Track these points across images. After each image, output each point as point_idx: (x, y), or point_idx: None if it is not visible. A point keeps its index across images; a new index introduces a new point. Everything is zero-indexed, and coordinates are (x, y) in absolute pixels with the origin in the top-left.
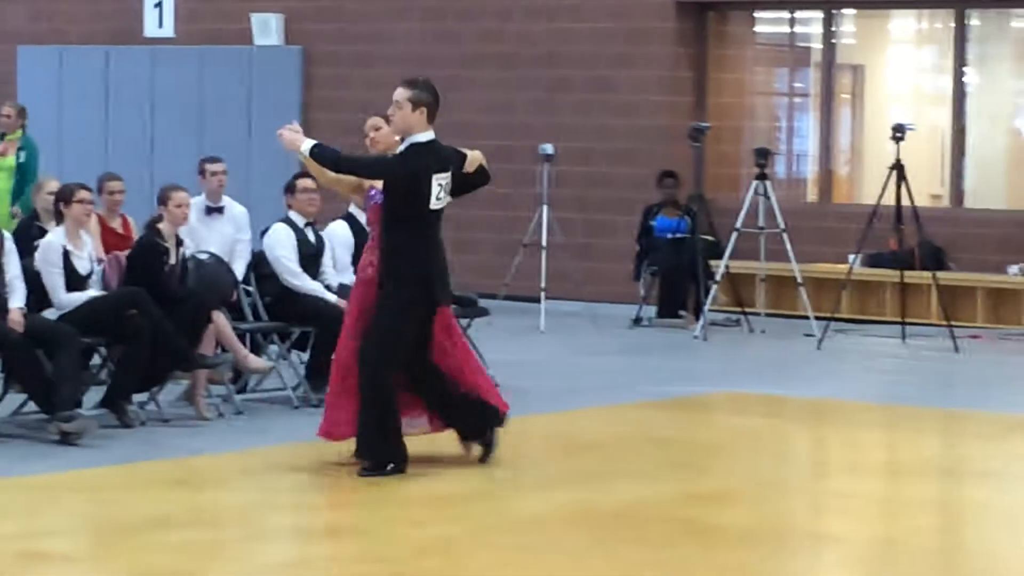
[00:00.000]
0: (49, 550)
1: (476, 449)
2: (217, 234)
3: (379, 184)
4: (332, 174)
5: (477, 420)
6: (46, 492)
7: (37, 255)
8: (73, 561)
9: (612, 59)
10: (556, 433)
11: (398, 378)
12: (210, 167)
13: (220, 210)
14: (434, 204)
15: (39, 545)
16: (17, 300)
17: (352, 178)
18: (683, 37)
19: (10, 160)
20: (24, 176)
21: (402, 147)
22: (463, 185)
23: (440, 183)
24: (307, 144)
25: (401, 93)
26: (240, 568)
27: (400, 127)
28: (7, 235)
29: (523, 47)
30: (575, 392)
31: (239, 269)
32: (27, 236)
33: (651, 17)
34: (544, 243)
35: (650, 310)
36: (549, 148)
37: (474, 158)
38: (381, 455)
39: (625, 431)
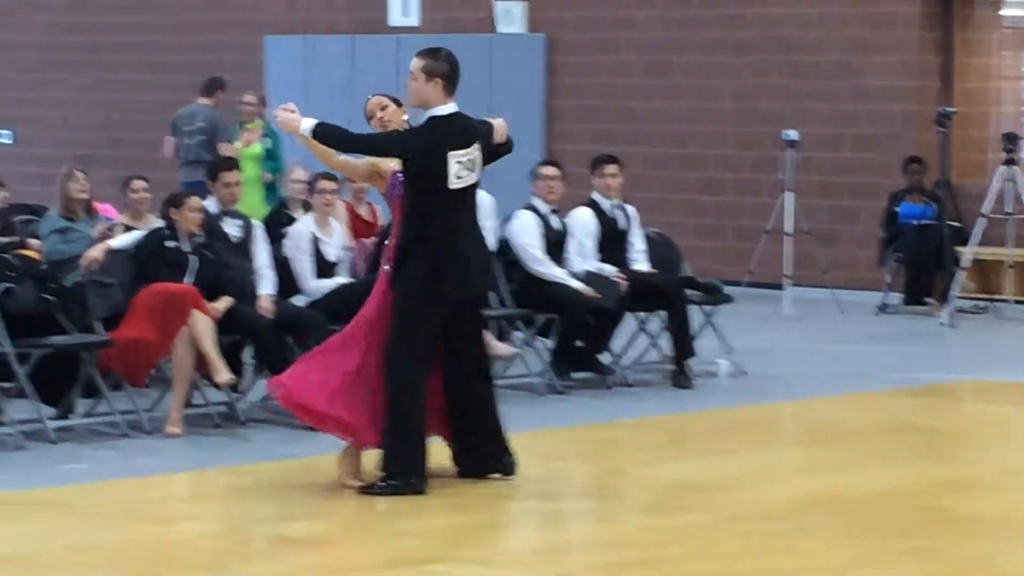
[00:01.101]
0: (299, 534)
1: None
2: None
3: (395, 164)
4: (339, 157)
5: (489, 455)
6: (296, 477)
7: (286, 242)
8: (324, 545)
9: (856, 44)
10: (804, 420)
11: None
12: None
13: None
14: (453, 183)
15: (289, 529)
16: (267, 287)
17: (363, 161)
18: (928, 21)
19: (255, 148)
20: (271, 163)
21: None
22: (488, 155)
23: (459, 160)
24: (307, 124)
25: (414, 63)
26: (488, 554)
27: (415, 100)
28: (257, 223)
29: (766, 32)
30: (822, 379)
31: None
32: (277, 224)
33: (896, 1)
34: (788, 229)
35: (896, 297)
36: (793, 134)
37: (499, 127)
38: (394, 463)
39: (873, 418)
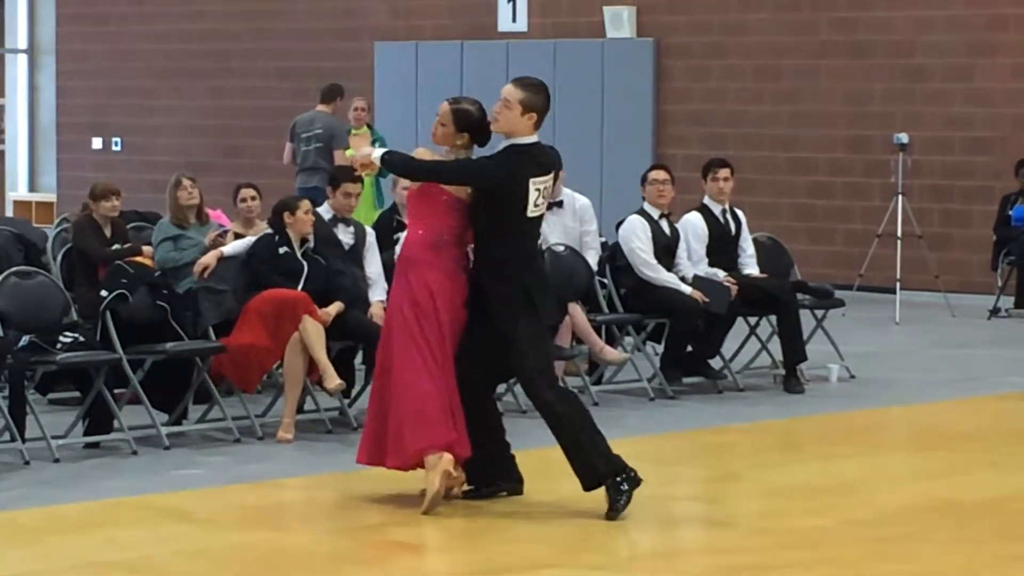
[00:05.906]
0: (412, 540)
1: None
2: (559, 228)
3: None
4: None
5: (501, 468)
6: (409, 483)
7: (398, 249)
8: (437, 551)
9: (970, 47)
10: (915, 425)
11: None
12: None
13: (559, 204)
14: (531, 211)
15: (402, 535)
16: (378, 294)
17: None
18: None
19: None
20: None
21: (500, 147)
22: None
23: (538, 188)
24: (376, 152)
25: (513, 93)
26: (602, 559)
27: (503, 127)
28: (369, 230)
29: (878, 35)
30: (934, 384)
31: (591, 261)
32: (387, 230)
33: (1012, 3)
34: (899, 233)
35: (1008, 301)
36: (904, 137)
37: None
38: (604, 471)
39: (985, 423)
